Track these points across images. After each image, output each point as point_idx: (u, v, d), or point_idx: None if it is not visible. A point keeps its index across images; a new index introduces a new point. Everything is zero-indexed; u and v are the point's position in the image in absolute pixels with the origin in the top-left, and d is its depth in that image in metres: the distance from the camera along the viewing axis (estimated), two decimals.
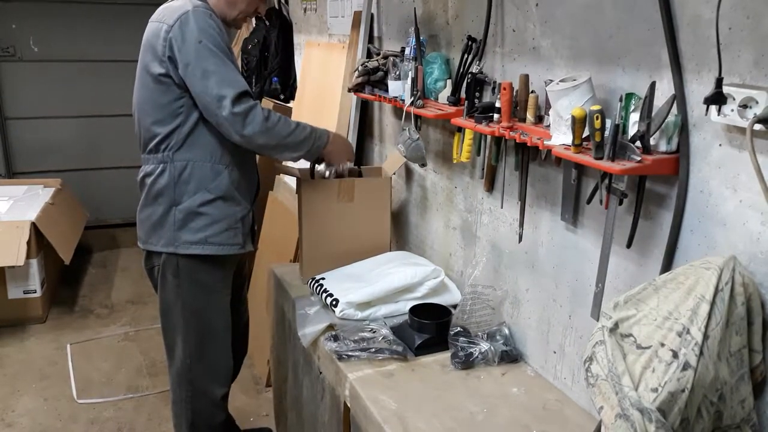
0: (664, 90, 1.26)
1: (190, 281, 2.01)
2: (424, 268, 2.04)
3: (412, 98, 1.97)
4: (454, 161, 1.89)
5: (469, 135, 1.77)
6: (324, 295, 2.03)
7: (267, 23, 3.84)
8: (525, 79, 1.57)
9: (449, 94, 1.91)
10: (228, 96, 1.79)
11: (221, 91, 1.80)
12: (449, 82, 1.96)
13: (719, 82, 1.10)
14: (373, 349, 1.79)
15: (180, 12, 1.84)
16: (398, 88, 2.06)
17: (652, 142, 1.25)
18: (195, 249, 1.97)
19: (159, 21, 1.89)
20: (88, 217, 4.78)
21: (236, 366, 2.38)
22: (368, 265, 2.18)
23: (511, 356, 1.79)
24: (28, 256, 3.54)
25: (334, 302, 1.97)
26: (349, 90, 2.37)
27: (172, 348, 2.11)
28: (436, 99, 2.00)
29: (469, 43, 1.82)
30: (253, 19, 4.00)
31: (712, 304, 1.07)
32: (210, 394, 2.13)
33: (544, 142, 1.42)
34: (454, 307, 1.97)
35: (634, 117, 1.26)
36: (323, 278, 2.13)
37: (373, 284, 2.00)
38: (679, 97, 1.22)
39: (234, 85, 1.81)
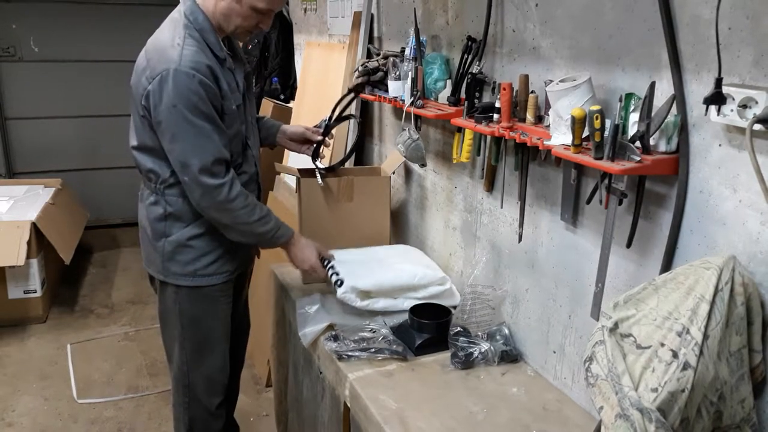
0: (664, 90, 1.26)
1: (188, 290, 1.99)
2: (434, 273, 2.03)
3: (412, 98, 1.97)
4: (454, 161, 1.89)
5: (469, 135, 1.78)
6: (331, 271, 2.02)
7: None
8: (525, 79, 1.57)
9: (449, 94, 1.91)
10: (193, 165, 1.75)
11: (186, 159, 1.76)
12: (449, 82, 1.96)
13: (719, 82, 1.10)
14: (373, 349, 1.80)
15: (164, 66, 1.73)
16: (398, 88, 2.06)
17: (651, 142, 1.25)
18: (184, 281, 1.96)
19: (146, 58, 1.79)
20: (88, 217, 4.78)
21: (233, 379, 2.33)
22: (380, 254, 2.18)
23: (511, 356, 1.80)
24: (29, 256, 3.54)
25: (339, 282, 1.96)
26: (350, 90, 2.37)
27: (171, 354, 2.10)
28: (436, 99, 2.00)
29: (469, 43, 1.82)
30: None
31: (712, 303, 1.07)
32: (206, 402, 2.12)
33: (544, 142, 1.42)
34: (454, 307, 1.97)
35: (634, 117, 1.26)
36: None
37: (381, 274, 2.00)
38: (679, 97, 1.22)
39: (202, 155, 1.75)
